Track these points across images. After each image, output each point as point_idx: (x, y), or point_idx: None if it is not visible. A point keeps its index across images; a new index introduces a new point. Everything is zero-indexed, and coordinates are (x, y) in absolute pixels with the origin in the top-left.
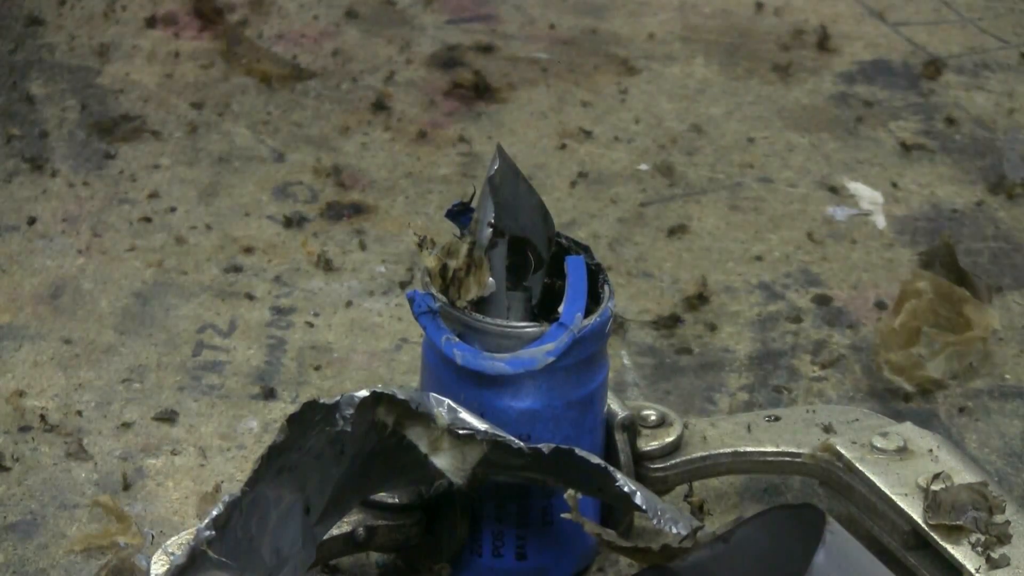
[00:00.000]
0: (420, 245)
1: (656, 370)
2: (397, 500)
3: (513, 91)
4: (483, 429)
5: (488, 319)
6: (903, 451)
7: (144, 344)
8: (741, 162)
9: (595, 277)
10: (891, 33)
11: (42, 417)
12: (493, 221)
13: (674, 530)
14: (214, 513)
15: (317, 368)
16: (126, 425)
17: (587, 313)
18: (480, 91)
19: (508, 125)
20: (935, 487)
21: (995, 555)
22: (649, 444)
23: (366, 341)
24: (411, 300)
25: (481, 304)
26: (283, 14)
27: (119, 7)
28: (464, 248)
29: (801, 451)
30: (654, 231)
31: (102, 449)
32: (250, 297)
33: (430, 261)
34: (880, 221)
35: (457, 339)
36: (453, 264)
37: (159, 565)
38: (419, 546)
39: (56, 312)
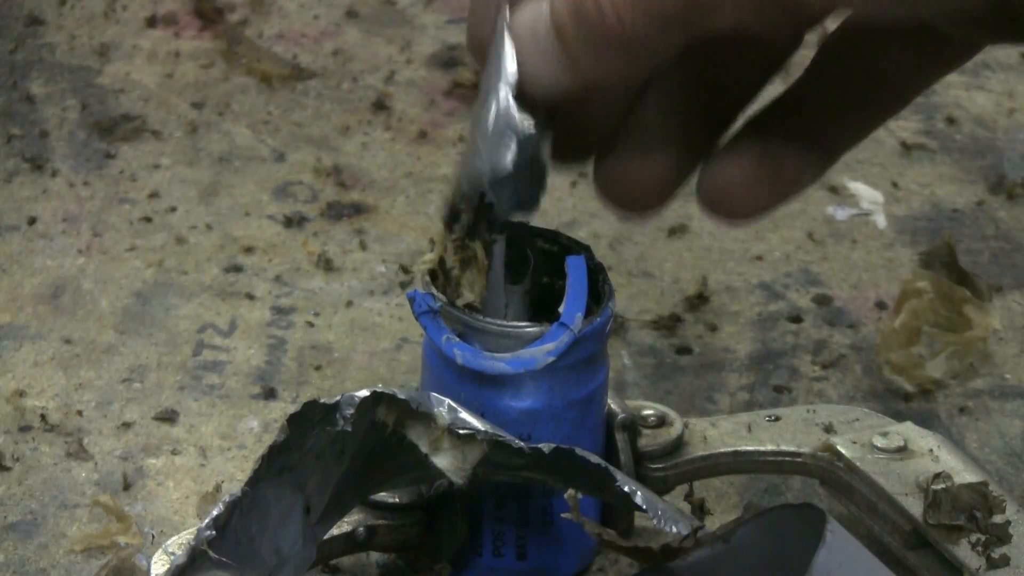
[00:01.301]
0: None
1: (656, 370)
2: (397, 500)
3: None
4: (483, 429)
5: (488, 319)
6: (903, 451)
7: (144, 344)
8: None
9: (595, 277)
10: None
11: (42, 417)
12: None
13: (674, 530)
14: (214, 513)
15: (317, 368)
16: (126, 425)
17: (587, 313)
18: None
19: None
20: (935, 487)
21: (995, 555)
22: (649, 444)
23: (366, 341)
24: (411, 300)
25: (482, 303)
26: (283, 14)
27: (119, 7)
28: (451, 246)
29: (802, 451)
30: (654, 231)
31: (102, 449)
32: (250, 297)
33: (426, 263)
34: (880, 221)
35: (457, 339)
36: (448, 260)
37: (159, 565)
38: (419, 546)
39: (56, 312)
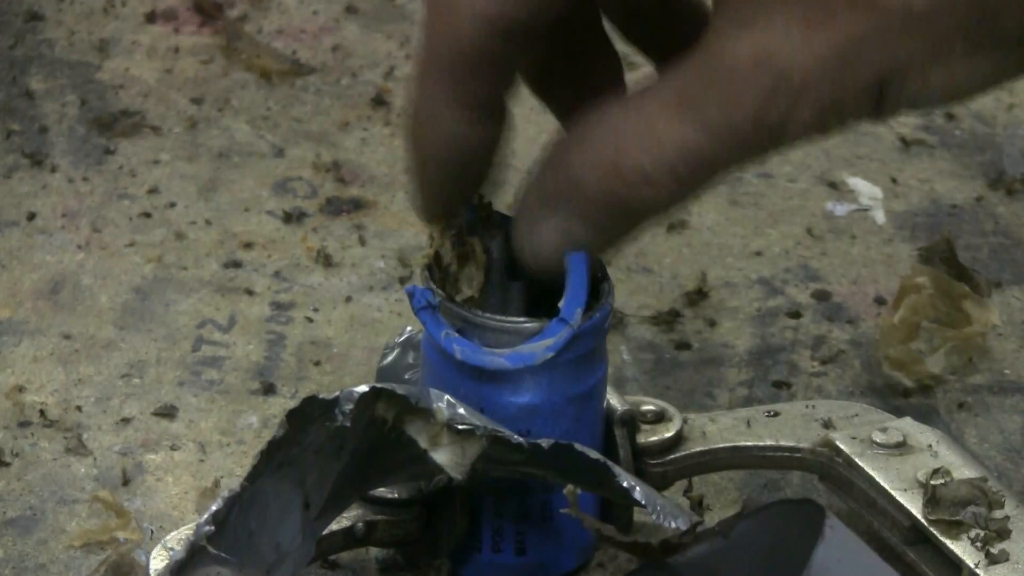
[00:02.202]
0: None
1: (655, 365)
2: (397, 495)
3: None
4: (482, 424)
5: (488, 314)
6: (902, 446)
7: (144, 339)
8: None
9: (595, 272)
10: None
11: (41, 412)
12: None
13: (673, 525)
14: (213, 508)
15: (317, 363)
16: (125, 420)
17: (587, 308)
18: None
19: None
20: (935, 482)
21: (994, 550)
22: (648, 439)
23: (366, 336)
24: (410, 295)
25: (481, 298)
26: (283, 9)
27: (119, 2)
28: (448, 241)
29: (801, 446)
30: (653, 226)
31: (101, 444)
32: (250, 292)
33: (423, 259)
34: (879, 216)
35: (456, 334)
36: (445, 257)
37: (158, 560)
38: (418, 541)
39: (56, 307)
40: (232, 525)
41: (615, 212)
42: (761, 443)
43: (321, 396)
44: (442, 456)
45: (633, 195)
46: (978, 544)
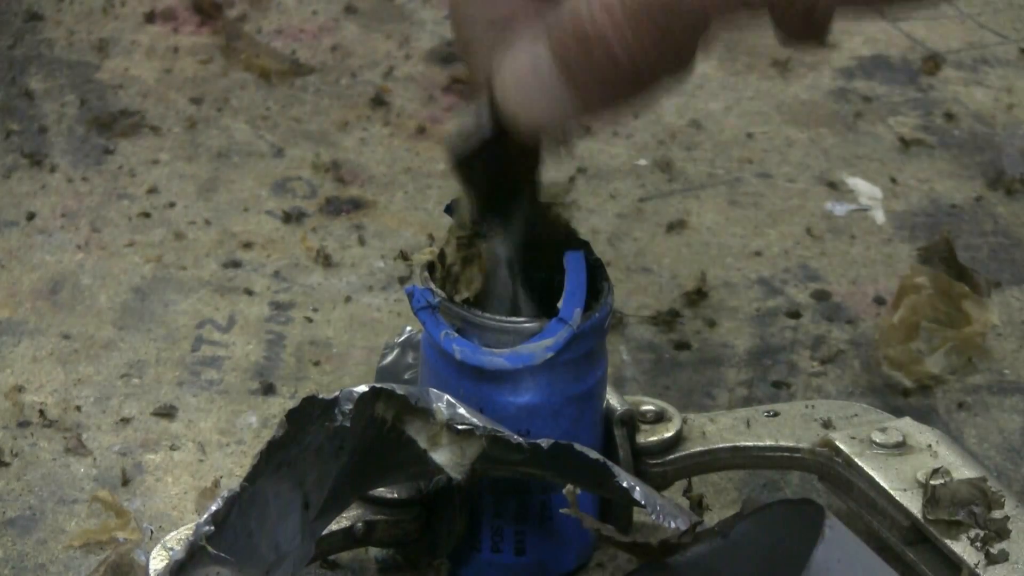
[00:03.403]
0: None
1: (655, 365)
2: (396, 495)
3: None
4: (482, 424)
5: (487, 314)
6: (902, 446)
7: (143, 339)
8: (740, 157)
9: (594, 272)
10: (890, 28)
11: (41, 412)
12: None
13: (673, 525)
14: (213, 508)
15: (316, 363)
16: (125, 420)
17: (586, 308)
18: None
19: None
20: (934, 482)
21: (994, 550)
22: (648, 439)
23: (365, 336)
24: (410, 295)
25: (481, 298)
26: (282, 9)
27: (118, 2)
28: (454, 242)
29: (800, 446)
30: (653, 226)
31: (101, 444)
32: (249, 292)
33: (425, 256)
34: (879, 216)
35: (456, 334)
36: (449, 256)
37: (158, 560)
38: (418, 541)
39: (55, 307)
40: (232, 525)
41: (577, 39)
42: (761, 443)
43: (321, 396)
44: (441, 456)
45: (590, 22)
46: (977, 544)
